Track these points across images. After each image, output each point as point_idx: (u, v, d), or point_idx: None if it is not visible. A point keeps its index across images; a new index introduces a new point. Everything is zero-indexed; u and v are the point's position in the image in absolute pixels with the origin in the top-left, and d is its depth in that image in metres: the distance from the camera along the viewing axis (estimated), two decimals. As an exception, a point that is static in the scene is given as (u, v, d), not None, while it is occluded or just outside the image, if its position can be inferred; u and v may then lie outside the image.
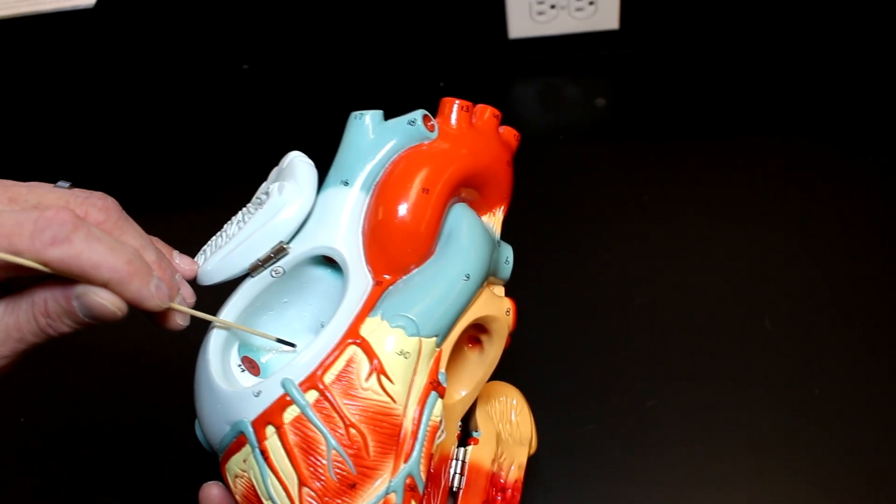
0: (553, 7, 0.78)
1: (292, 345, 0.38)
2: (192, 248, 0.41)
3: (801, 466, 0.51)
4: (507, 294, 0.44)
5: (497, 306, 0.41)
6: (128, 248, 0.32)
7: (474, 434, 0.43)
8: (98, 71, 0.86)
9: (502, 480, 0.43)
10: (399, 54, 0.84)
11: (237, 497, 0.37)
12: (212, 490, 0.38)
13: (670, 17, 0.79)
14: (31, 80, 0.86)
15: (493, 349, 0.42)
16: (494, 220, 0.43)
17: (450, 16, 0.80)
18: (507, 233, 0.43)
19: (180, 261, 0.38)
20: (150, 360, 0.61)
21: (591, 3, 0.78)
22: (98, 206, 0.34)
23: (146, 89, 0.86)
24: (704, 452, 0.52)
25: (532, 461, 0.50)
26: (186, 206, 0.75)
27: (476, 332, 0.42)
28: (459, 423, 0.43)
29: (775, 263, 0.62)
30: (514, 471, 0.43)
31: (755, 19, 0.78)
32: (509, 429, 0.45)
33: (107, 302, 0.32)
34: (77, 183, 0.36)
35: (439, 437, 0.37)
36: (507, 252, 0.42)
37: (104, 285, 0.32)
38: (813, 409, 0.53)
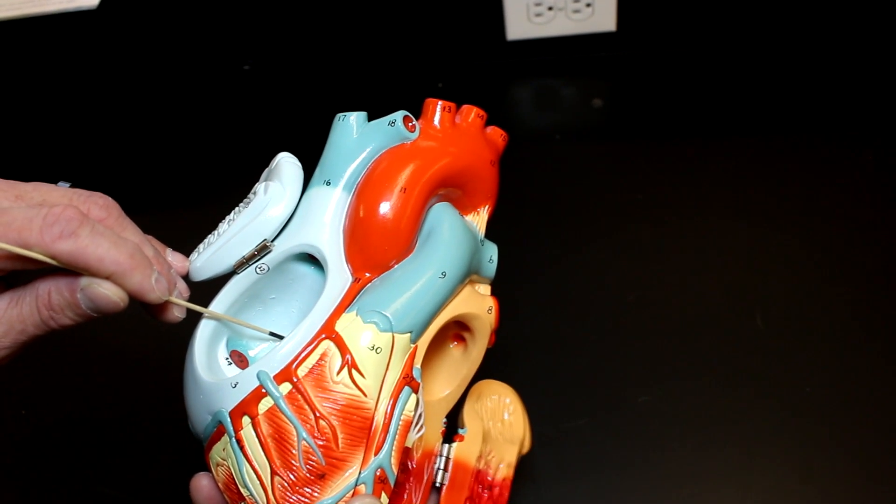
0: (550, 9, 0.79)
1: (281, 337, 0.39)
2: (193, 245, 0.42)
3: (792, 463, 0.51)
4: (500, 290, 0.44)
5: (478, 304, 0.41)
6: (129, 243, 0.34)
7: (460, 431, 0.43)
8: (101, 71, 0.86)
9: (489, 478, 0.43)
10: (398, 55, 0.84)
11: (219, 484, 0.37)
12: (201, 481, 0.39)
13: (667, 19, 0.79)
14: (36, 81, 0.87)
15: (477, 347, 0.42)
16: (478, 220, 0.43)
17: (448, 17, 0.81)
18: (503, 231, 0.44)
19: (172, 258, 0.39)
20: (149, 352, 0.62)
21: (588, 5, 0.78)
22: (99, 205, 0.36)
23: (148, 89, 0.87)
24: (695, 448, 0.52)
25: (522, 455, 0.50)
26: (189, 204, 0.76)
27: (460, 330, 0.43)
28: (445, 420, 0.43)
29: (768, 261, 0.62)
30: (502, 469, 0.44)
31: (752, 20, 0.79)
32: (500, 427, 0.45)
33: (110, 293, 0.33)
34: (81, 180, 0.37)
35: (417, 431, 0.38)
36: (492, 251, 0.43)
37: (108, 278, 0.33)
38: (804, 406, 0.53)
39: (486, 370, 0.46)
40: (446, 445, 0.43)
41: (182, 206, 0.76)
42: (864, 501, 0.49)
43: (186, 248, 0.41)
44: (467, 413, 0.44)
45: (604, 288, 0.62)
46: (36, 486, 0.56)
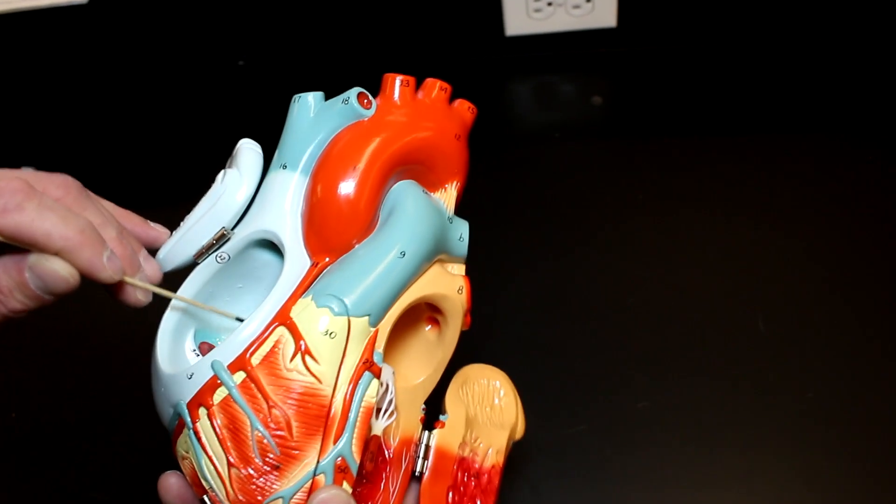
0: (550, 4, 0.78)
1: None
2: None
3: (793, 468, 0.50)
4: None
5: (447, 284, 0.40)
6: (80, 219, 0.32)
7: (441, 417, 0.42)
8: (92, 67, 0.86)
9: (476, 465, 0.42)
10: (395, 51, 0.83)
11: (186, 478, 0.37)
12: (169, 479, 0.38)
13: (668, 16, 0.79)
14: (26, 76, 0.86)
15: (450, 330, 0.41)
16: (447, 196, 0.41)
17: (447, 13, 0.80)
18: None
19: (153, 228, 0.39)
20: (136, 355, 0.61)
21: (588, 1, 0.77)
22: (56, 183, 0.34)
23: (141, 85, 0.86)
24: (695, 453, 0.51)
25: (521, 461, 0.49)
26: (182, 201, 0.74)
27: (433, 313, 0.42)
28: (424, 406, 0.42)
29: (770, 264, 0.61)
30: (491, 455, 0.42)
31: (752, 17, 0.78)
32: (489, 413, 0.43)
33: (59, 269, 0.32)
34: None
35: (388, 418, 0.37)
36: (462, 228, 0.41)
37: (56, 254, 0.32)
38: (805, 411, 0.53)
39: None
40: (426, 433, 0.41)
41: (175, 202, 0.74)
42: (868, 507, 0.48)
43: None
44: (450, 398, 0.43)
45: (603, 290, 0.61)
46: (26, 491, 0.55)
